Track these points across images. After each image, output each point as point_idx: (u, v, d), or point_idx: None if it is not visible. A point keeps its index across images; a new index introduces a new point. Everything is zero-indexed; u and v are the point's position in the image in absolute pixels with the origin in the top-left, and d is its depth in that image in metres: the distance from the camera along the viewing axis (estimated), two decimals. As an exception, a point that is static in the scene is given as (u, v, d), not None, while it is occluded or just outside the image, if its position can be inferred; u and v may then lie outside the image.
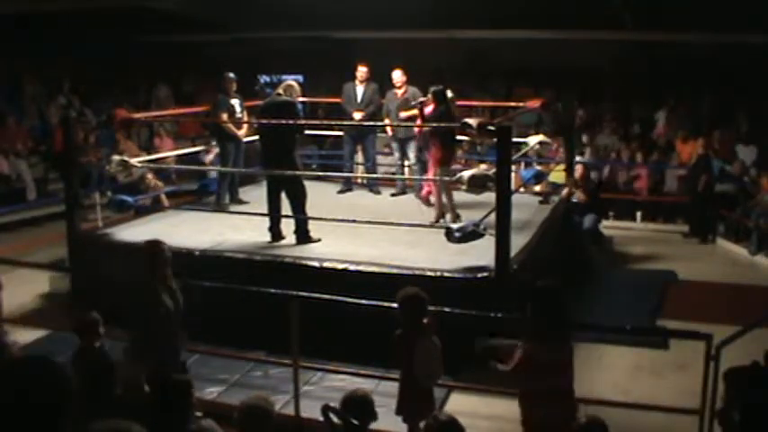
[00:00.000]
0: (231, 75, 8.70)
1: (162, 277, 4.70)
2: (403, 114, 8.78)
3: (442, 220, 7.63)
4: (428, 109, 8.06)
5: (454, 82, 10.43)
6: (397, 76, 8.88)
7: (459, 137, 7.76)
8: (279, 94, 7.18)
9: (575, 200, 9.40)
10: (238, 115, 8.63)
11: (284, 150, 6.90)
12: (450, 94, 8.11)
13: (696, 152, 10.92)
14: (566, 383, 3.81)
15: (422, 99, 8.25)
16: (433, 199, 8.16)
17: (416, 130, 8.55)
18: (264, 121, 7.09)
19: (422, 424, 3.70)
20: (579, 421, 3.41)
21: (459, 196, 7.56)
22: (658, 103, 12.95)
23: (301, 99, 9.62)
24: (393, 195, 9.25)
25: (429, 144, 8.05)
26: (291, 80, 7.44)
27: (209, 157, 11.00)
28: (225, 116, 8.54)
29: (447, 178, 7.23)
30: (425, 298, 4.38)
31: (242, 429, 3.33)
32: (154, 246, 4.81)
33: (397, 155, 9.19)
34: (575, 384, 3.99)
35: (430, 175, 8.06)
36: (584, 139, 12.46)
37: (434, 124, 7.65)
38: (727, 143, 11.73)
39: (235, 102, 8.62)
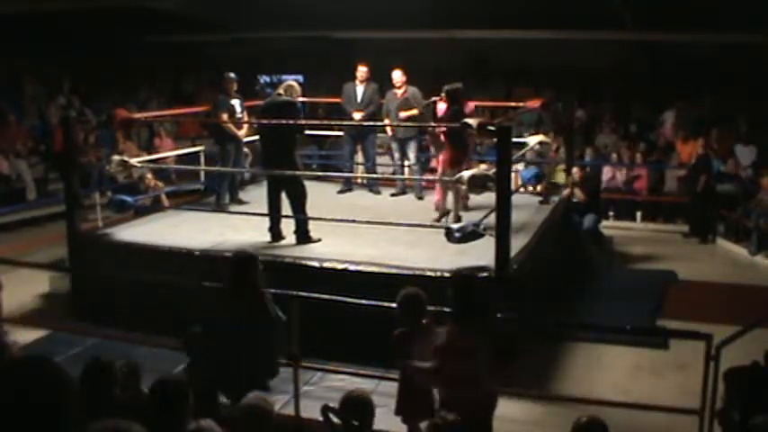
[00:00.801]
0: (232, 75, 8.70)
1: (251, 291, 4.39)
2: (403, 114, 8.78)
3: (443, 220, 7.62)
4: (441, 109, 8.04)
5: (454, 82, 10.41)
6: (397, 76, 8.88)
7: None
8: (279, 94, 7.18)
9: (575, 200, 9.40)
10: (239, 115, 8.64)
11: (285, 150, 6.89)
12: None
13: (696, 152, 10.93)
14: (477, 368, 3.90)
15: (434, 98, 8.22)
16: (447, 201, 8.14)
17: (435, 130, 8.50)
18: (265, 122, 7.09)
19: (423, 424, 3.70)
20: (579, 421, 3.42)
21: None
22: (665, 103, 12.91)
23: (301, 99, 9.65)
24: (393, 195, 9.25)
25: (440, 144, 8.01)
26: (292, 80, 7.44)
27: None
28: (225, 116, 8.54)
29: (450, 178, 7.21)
30: (425, 298, 4.38)
31: (241, 429, 3.33)
32: (247, 257, 4.52)
33: (396, 155, 9.19)
34: (574, 387, 4.00)
35: (439, 175, 8.01)
36: (585, 139, 12.47)
37: (437, 125, 7.64)
38: (727, 143, 11.74)
39: (235, 102, 8.63)
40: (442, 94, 8.04)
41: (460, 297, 4.02)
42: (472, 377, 3.86)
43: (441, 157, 8.02)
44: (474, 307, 4.00)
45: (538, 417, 5.28)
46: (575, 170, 9.47)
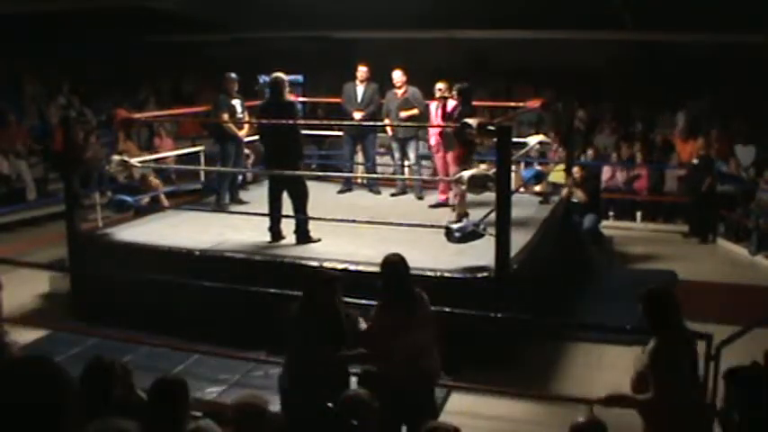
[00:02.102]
0: (233, 75, 8.69)
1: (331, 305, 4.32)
2: (403, 114, 8.77)
3: (465, 221, 7.57)
4: (450, 106, 8.04)
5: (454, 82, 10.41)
6: (397, 76, 8.88)
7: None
8: (274, 95, 7.16)
9: (575, 200, 9.40)
10: (239, 115, 8.63)
11: (286, 150, 6.89)
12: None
13: (697, 152, 10.94)
14: (415, 342, 4.15)
15: (445, 95, 8.21)
16: (452, 200, 8.12)
17: (433, 131, 8.47)
18: (265, 122, 7.09)
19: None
20: (579, 421, 3.42)
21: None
22: (674, 103, 12.87)
23: (301, 99, 9.65)
24: (393, 195, 9.25)
25: (449, 142, 7.99)
26: (277, 74, 7.20)
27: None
28: (226, 116, 8.53)
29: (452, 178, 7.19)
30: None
31: (236, 429, 3.33)
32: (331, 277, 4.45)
33: (397, 155, 9.18)
34: (574, 387, 4.01)
35: (448, 173, 7.99)
36: (585, 139, 12.46)
37: (441, 124, 7.63)
38: (726, 143, 11.74)
39: (236, 102, 8.62)
40: (453, 92, 8.03)
41: (391, 281, 4.28)
42: (412, 355, 4.12)
43: (450, 156, 8.00)
44: (403, 291, 4.26)
45: (538, 417, 5.28)
46: (575, 170, 9.47)
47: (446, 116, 8.10)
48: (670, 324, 3.81)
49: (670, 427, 3.63)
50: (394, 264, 4.34)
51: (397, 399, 4.03)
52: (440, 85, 8.29)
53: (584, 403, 4.31)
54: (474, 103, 8.55)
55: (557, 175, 10.22)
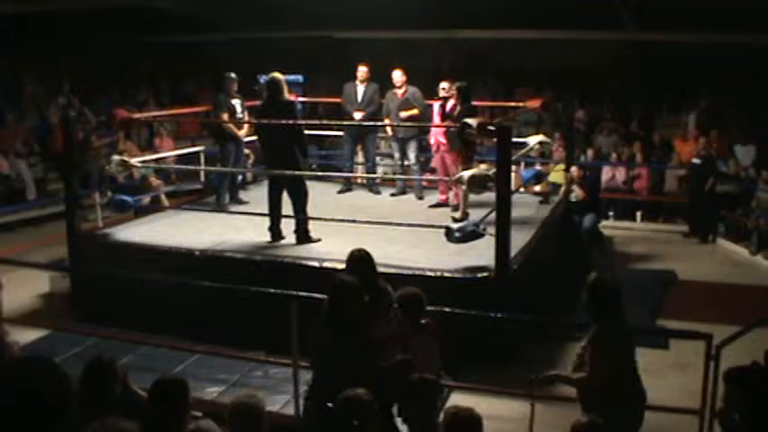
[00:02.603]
0: (233, 75, 8.69)
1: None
2: (403, 114, 8.77)
3: (464, 221, 7.58)
4: (449, 105, 8.03)
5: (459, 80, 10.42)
6: (397, 76, 8.87)
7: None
8: (272, 94, 7.15)
9: (573, 198, 9.37)
10: (239, 115, 8.62)
11: (287, 150, 6.88)
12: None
13: (697, 152, 10.94)
14: (382, 335, 4.26)
15: (443, 96, 8.19)
16: (452, 200, 8.11)
17: (435, 131, 8.45)
18: (266, 122, 7.08)
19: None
20: (579, 421, 3.42)
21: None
22: (688, 103, 12.84)
23: (301, 99, 9.63)
24: (393, 195, 9.24)
25: (453, 142, 7.97)
26: (274, 74, 7.18)
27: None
28: (225, 116, 8.53)
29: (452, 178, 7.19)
30: (424, 298, 4.38)
31: (233, 428, 3.33)
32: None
33: (397, 155, 9.17)
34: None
35: (449, 174, 7.99)
36: (585, 139, 12.47)
37: (442, 123, 7.61)
38: (726, 143, 11.75)
39: (236, 102, 8.61)
40: (453, 92, 8.02)
41: (359, 272, 4.38)
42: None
43: (452, 155, 7.98)
44: (369, 284, 4.37)
45: (538, 417, 5.27)
46: (573, 168, 9.46)
47: (445, 116, 8.08)
48: (611, 313, 3.98)
49: (602, 408, 3.73)
50: (360, 258, 4.45)
51: (377, 383, 3.99)
52: (443, 85, 8.27)
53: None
54: (474, 102, 8.55)
55: (557, 175, 10.22)
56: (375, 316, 4.31)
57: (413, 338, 4.33)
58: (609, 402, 3.82)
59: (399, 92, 8.87)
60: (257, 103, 8.19)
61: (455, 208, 7.91)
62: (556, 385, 4.62)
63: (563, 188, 9.29)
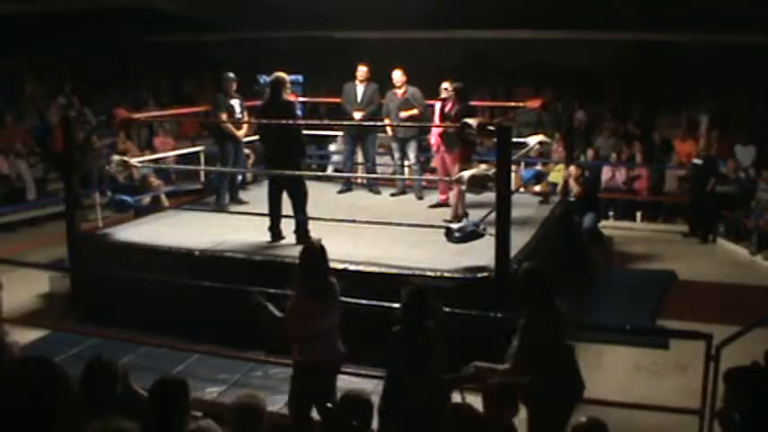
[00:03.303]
0: (231, 75, 8.69)
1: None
2: (403, 114, 8.76)
3: (465, 221, 7.58)
4: (447, 106, 8.02)
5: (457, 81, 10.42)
6: (397, 76, 8.87)
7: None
8: (273, 93, 7.15)
9: (571, 197, 9.34)
10: (238, 116, 8.62)
11: (287, 150, 6.88)
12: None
13: (697, 152, 10.95)
14: (326, 325, 4.42)
15: (444, 96, 8.17)
16: (451, 200, 8.11)
17: (435, 131, 8.43)
18: (265, 122, 7.08)
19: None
20: (579, 421, 3.42)
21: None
22: (700, 106, 12.80)
23: (301, 99, 9.62)
24: (393, 195, 9.24)
25: (449, 142, 7.97)
26: (277, 73, 7.18)
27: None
28: (224, 116, 8.53)
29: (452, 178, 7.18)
30: (429, 296, 4.36)
31: (234, 428, 3.33)
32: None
33: (397, 154, 9.17)
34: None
35: (449, 174, 7.98)
36: (585, 140, 12.46)
37: (441, 124, 7.59)
38: (726, 143, 11.75)
39: (234, 102, 8.62)
40: (451, 92, 8.01)
41: (309, 267, 4.49)
42: (328, 333, 4.42)
43: (452, 155, 7.97)
44: (321, 276, 4.49)
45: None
46: (571, 167, 9.44)
47: (443, 116, 8.08)
48: (537, 303, 4.09)
49: (530, 398, 3.86)
50: (313, 252, 4.52)
51: (308, 380, 4.39)
52: (445, 85, 8.26)
53: (585, 403, 4.32)
54: (473, 102, 8.55)
55: (557, 175, 10.22)
56: (326, 308, 4.46)
57: (415, 337, 4.33)
58: (536, 393, 3.90)
59: (399, 92, 8.87)
60: (257, 102, 8.21)
61: (456, 215, 7.85)
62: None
63: (560, 185, 9.27)
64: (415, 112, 8.74)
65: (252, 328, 5.99)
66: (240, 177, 9.35)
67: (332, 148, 12.20)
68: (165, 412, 3.18)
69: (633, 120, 13.16)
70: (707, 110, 12.55)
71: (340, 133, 11.06)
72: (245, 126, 8.69)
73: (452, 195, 8.19)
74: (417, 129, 8.89)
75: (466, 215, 7.55)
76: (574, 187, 9.29)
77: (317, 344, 4.39)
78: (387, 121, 8.94)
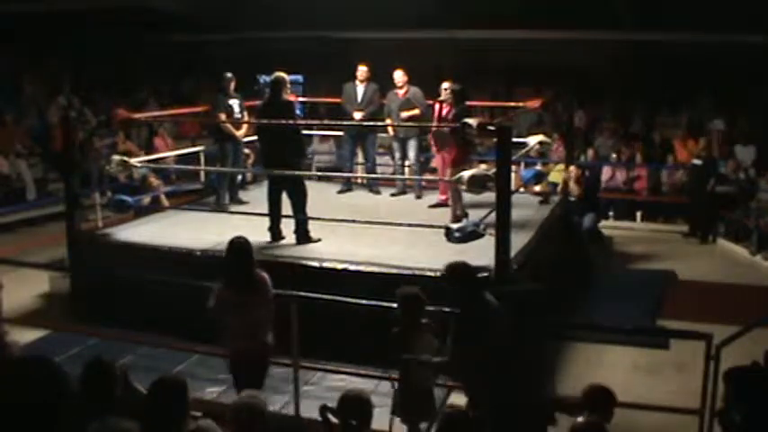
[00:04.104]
0: (229, 74, 8.69)
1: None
2: (404, 114, 8.76)
3: (464, 221, 7.57)
4: (445, 109, 8.01)
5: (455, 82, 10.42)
6: (398, 76, 8.86)
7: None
8: (273, 94, 7.14)
9: (571, 197, 9.34)
10: (237, 115, 8.61)
11: (284, 150, 6.88)
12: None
13: (697, 152, 10.95)
14: (250, 317, 4.53)
15: (442, 98, 8.15)
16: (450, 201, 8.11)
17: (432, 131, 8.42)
18: (265, 122, 7.08)
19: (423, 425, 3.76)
20: (579, 421, 3.42)
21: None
22: (718, 110, 12.76)
23: (301, 99, 9.62)
24: (393, 195, 9.24)
25: (444, 144, 7.97)
26: (278, 73, 7.20)
27: None
28: (223, 116, 8.53)
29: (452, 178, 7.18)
30: (425, 298, 4.38)
31: (235, 428, 3.33)
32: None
33: (397, 154, 9.16)
34: (574, 387, 4.01)
35: (443, 176, 7.99)
36: (585, 140, 12.46)
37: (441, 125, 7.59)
38: (726, 143, 11.74)
39: (233, 102, 8.61)
40: (449, 93, 7.99)
41: (235, 261, 4.66)
42: (256, 325, 4.54)
43: (446, 156, 7.98)
44: (246, 269, 4.62)
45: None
46: (571, 168, 9.45)
47: (440, 118, 8.07)
48: (467, 299, 4.16)
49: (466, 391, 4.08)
50: (238, 246, 4.68)
51: (236, 371, 4.55)
52: (445, 85, 8.26)
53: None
54: (473, 103, 8.54)
55: (557, 175, 10.22)
56: (250, 301, 4.58)
57: (414, 338, 4.33)
58: (470, 386, 4.07)
59: (401, 92, 8.87)
60: (257, 102, 8.20)
61: (456, 216, 7.84)
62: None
63: (560, 186, 9.27)
64: (416, 112, 8.74)
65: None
66: (240, 177, 9.35)
67: (316, 147, 12.05)
68: (164, 412, 3.18)
69: (633, 120, 13.16)
70: (719, 114, 12.47)
71: (321, 132, 11.10)
72: (244, 126, 8.69)
73: (442, 194, 8.20)
74: (418, 129, 8.89)
75: (466, 215, 7.55)
76: (574, 189, 9.29)
77: (240, 335, 4.54)
78: (388, 121, 8.94)
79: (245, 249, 4.68)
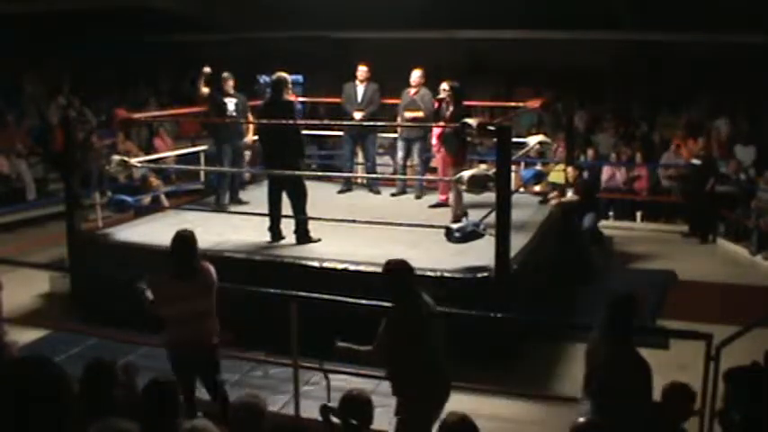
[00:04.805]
0: (225, 74, 8.66)
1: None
2: (408, 115, 8.74)
3: (464, 220, 7.57)
4: (442, 108, 8.00)
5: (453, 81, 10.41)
6: (414, 75, 8.77)
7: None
8: (275, 93, 7.14)
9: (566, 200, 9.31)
10: (231, 113, 8.56)
11: (286, 150, 6.88)
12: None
13: (696, 152, 10.94)
14: (193, 309, 4.62)
15: (441, 96, 8.12)
16: (451, 201, 8.11)
17: (436, 131, 8.40)
18: (264, 121, 7.08)
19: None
20: (578, 422, 3.41)
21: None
22: (719, 110, 12.74)
23: (301, 99, 9.61)
24: (393, 195, 9.23)
25: (448, 145, 7.95)
26: (280, 73, 7.21)
27: None
28: (216, 114, 8.52)
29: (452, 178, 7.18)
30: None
31: (235, 428, 3.33)
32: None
33: (400, 153, 9.11)
34: (574, 387, 4.00)
35: (442, 177, 7.98)
36: (585, 140, 12.46)
37: (438, 125, 7.58)
38: (726, 143, 11.74)
39: (229, 100, 8.55)
40: (447, 91, 7.98)
41: (178, 254, 4.79)
42: (198, 316, 4.64)
43: (449, 158, 7.96)
44: (188, 262, 4.76)
45: (538, 417, 5.28)
46: (569, 170, 9.43)
47: (437, 116, 8.05)
48: (404, 296, 4.21)
49: (401, 383, 4.16)
50: (183, 238, 4.82)
51: (181, 360, 4.61)
52: (444, 85, 8.25)
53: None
54: (472, 103, 8.52)
55: (557, 175, 10.21)
56: (193, 292, 4.67)
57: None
58: (398, 380, 4.15)
59: (412, 91, 8.83)
60: (258, 102, 8.21)
61: (456, 216, 7.84)
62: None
63: (556, 194, 9.23)
64: (420, 114, 8.70)
65: (252, 329, 6.02)
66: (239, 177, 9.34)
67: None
68: (158, 412, 3.18)
69: (633, 120, 13.16)
70: (725, 114, 12.44)
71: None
72: (247, 126, 8.67)
73: (451, 197, 8.19)
74: (421, 130, 8.84)
75: (465, 215, 7.55)
76: (569, 194, 9.26)
77: (182, 327, 4.60)
78: (399, 119, 8.91)
79: (189, 240, 4.82)
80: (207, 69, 8.61)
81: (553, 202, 9.04)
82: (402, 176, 9.36)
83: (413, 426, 4.11)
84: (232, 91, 8.60)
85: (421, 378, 4.11)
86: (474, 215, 7.17)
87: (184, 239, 4.83)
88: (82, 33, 12.90)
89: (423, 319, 4.18)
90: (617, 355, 4.01)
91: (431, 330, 4.19)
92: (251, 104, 8.82)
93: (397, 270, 4.27)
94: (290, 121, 6.96)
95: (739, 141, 11.69)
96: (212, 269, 4.83)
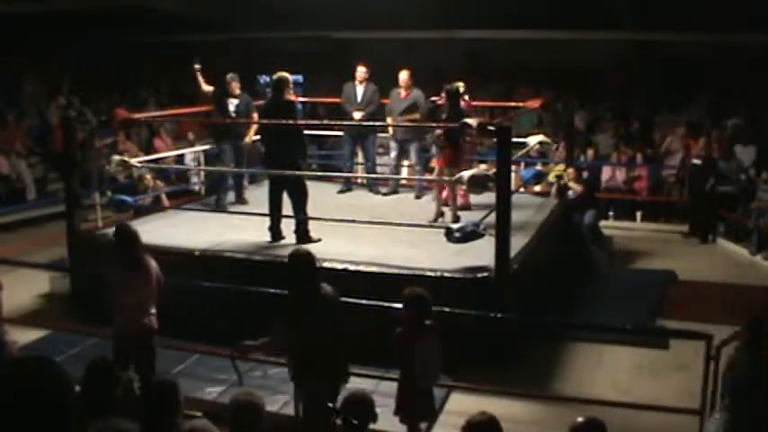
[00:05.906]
0: (229, 75, 8.67)
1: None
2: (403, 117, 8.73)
3: (440, 220, 7.62)
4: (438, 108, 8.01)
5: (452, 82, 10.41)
6: (403, 76, 8.80)
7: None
8: (275, 93, 7.14)
9: (570, 194, 9.31)
10: (232, 114, 8.56)
11: (285, 150, 6.89)
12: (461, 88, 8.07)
13: (697, 152, 10.94)
14: (132, 300, 4.92)
15: (435, 98, 8.11)
16: (450, 201, 8.11)
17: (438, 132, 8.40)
18: (265, 121, 7.08)
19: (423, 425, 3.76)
20: (578, 421, 3.41)
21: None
22: (728, 112, 12.71)
23: (301, 99, 9.61)
24: (384, 195, 9.19)
25: (439, 145, 7.96)
26: (281, 73, 7.19)
27: None
28: (216, 114, 8.52)
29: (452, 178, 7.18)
30: (430, 299, 4.38)
31: (232, 426, 3.32)
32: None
33: (393, 153, 9.12)
34: (574, 387, 4.00)
35: (437, 176, 7.99)
36: (585, 140, 12.46)
37: (435, 126, 7.57)
38: (726, 143, 11.73)
39: (232, 101, 8.55)
40: (443, 94, 8.00)
41: (119, 247, 5.05)
42: (138, 306, 4.94)
43: (440, 158, 7.97)
44: (131, 255, 5.01)
45: (538, 417, 5.28)
46: (569, 170, 9.42)
47: (431, 116, 8.05)
48: (300, 284, 4.35)
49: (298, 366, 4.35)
50: (125, 233, 5.12)
51: (120, 345, 4.89)
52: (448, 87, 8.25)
53: (584, 403, 4.32)
54: (473, 103, 8.52)
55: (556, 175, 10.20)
56: (135, 283, 4.95)
57: (415, 339, 4.33)
58: (298, 370, 4.33)
59: (403, 93, 8.84)
60: (259, 102, 8.20)
61: (456, 216, 7.85)
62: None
63: (557, 186, 9.24)
64: (416, 116, 8.69)
65: (252, 329, 6.02)
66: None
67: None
68: (157, 413, 3.19)
69: (633, 119, 13.16)
70: (737, 115, 12.39)
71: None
72: (249, 126, 8.67)
73: (458, 197, 8.21)
74: (417, 132, 8.84)
75: (442, 215, 7.61)
76: (575, 187, 9.27)
77: (123, 317, 4.93)
78: (389, 120, 8.91)
79: (132, 235, 5.09)
80: (197, 66, 8.63)
81: (561, 182, 9.10)
82: (401, 176, 9.35)
83: (310, 408, 4.29)
84: (237, 92, 8.57)
85: (323, 362, 4.24)
86: (474, 215, 7.17)
87: (123, 233, 5.14)
88: (82, 33, 12.90)
89: (314, 305, 4.29)
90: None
91: (315, 317, 4.27)
92: (256, 104, 8.81)
93: (298, 260, 4.40)
94: (291, 121, 6.96)
95: (739, 141, 11.68)
96: (154, 263, 5.13)
